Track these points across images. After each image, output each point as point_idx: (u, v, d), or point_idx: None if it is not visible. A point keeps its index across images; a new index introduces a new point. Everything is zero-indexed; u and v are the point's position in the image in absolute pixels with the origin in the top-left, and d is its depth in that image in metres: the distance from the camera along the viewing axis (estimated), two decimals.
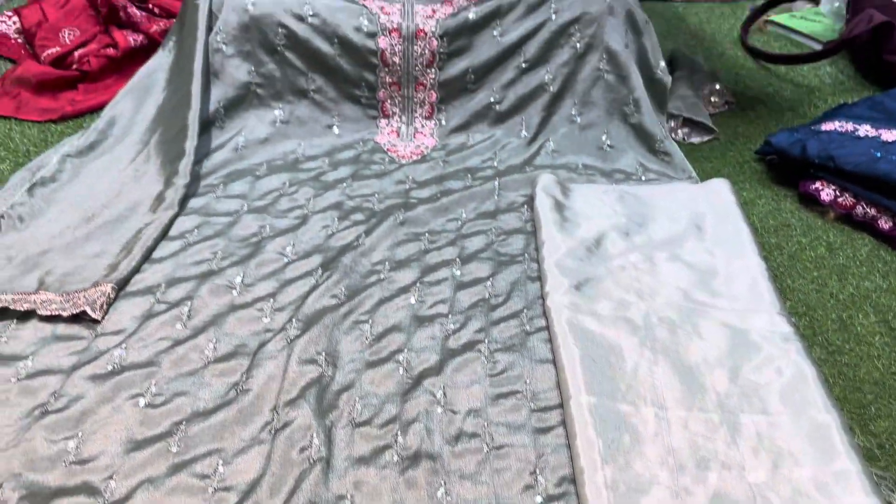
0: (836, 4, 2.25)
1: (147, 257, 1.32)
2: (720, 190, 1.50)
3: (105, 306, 1.20)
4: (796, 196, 1.56)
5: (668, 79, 1.73)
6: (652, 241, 1.39)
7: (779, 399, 1.06)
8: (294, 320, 1.18)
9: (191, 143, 1.53)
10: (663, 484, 0.94)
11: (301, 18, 1.65)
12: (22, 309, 1.18)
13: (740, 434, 1.01)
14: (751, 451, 1.00)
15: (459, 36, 1.68)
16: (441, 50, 1.68)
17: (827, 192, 1.52)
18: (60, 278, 1.25)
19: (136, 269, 1.29)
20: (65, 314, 1.17)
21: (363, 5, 1.67)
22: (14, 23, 2.03)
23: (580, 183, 1.56)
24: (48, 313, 1.18)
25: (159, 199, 1.45)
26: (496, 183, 1.53)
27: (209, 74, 1.65)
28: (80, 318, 1.18)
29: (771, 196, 1.56)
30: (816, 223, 1.48)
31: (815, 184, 1.54)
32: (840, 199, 1.51)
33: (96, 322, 1.18)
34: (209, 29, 1.66)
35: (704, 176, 1.62)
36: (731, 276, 1.30)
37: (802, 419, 1.03)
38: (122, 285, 1.25)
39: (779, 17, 2.33)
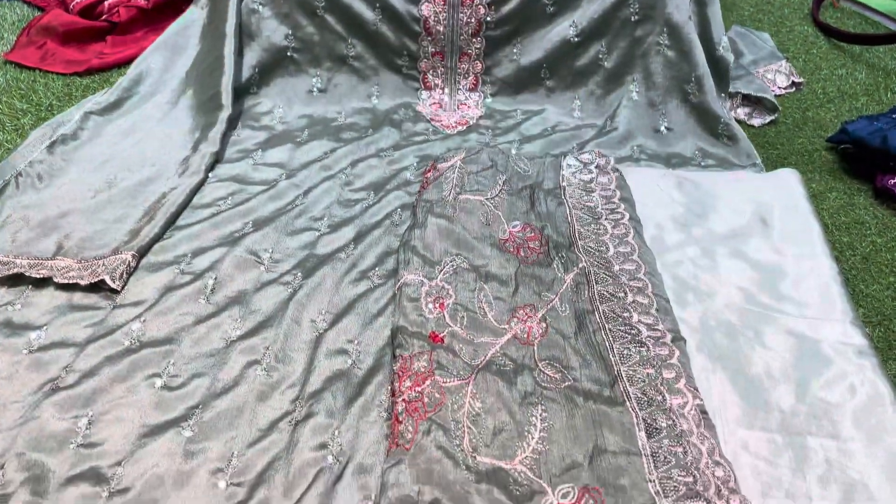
0: None
1: (171, 223, 1.25)
2: (788, 181, 1.37)
3: (125, 276, 1.13)
4: (871, 191, 1.43)
5: (730, 56, 1.59)
6: (712, 234, 1.28)
7: (851, 422, 0.96)
8: (324, 312, 1.10)
9: (224, 113, 1.45)
10: None
11: None
12: (38, 276, 1.11)
13: (807, 460, 0.91)
14: (818, 480, 0.90)
15: (507, 3, 1.55)
16: (488, 18, 1.56)
17: None
18: (79, 243, 1.18)
19: (159, 237, 1.22)
20: (83, 283, 1.11)
21: None
22: None
23: (634, 167, 1.44)
24: (65, 281, 1.11)
25: (185, 163, 1.38)
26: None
27: (242, 36, 1.55)
28: (98, 286, 1.12)
29: (843, 189, 1.43)
30: (893, 222, 1.36)
31: (894, 178, 1.41)
32: None
33: (115, 292, 1.11)
34: None
35: (769, 164, 1.49)
36: (799, 277, 1.18)
37: (878, 447, 0.92)
38: (143, 253, 1.18)
39: None
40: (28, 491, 0.85)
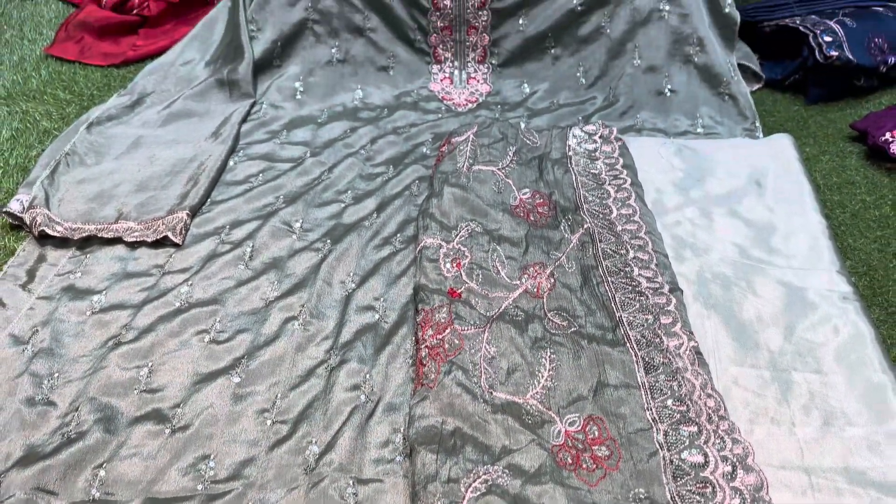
0: None
1: (214, 184, 1.39)
2: (783, 146, 1.46)
3: (184, 231, 1.27)
4: (863, 153, 1.51)
5: (737, 14, 1.66)
6: (709, 195, 1.37)
7: (834, 358, 1.05)
8: (352, 274, 1.21)
9: (247, 95, 1.57)
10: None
11: None
12: (107, 236, 1.26)
13: (792, 392, 1.01)
14: (802, 408, 1.00)
15: None
16: None
17: None
18: (137, 208, 1.32)
19: (206, 197, 1.36)
20: (149, 240, 1.25)
21: None
22: None
23: (637, 137, 1.53)
24: (132, 240, 1.25)
25: (216, 135, 1.51)
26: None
27: (264, 14, 1.66)
28: (160, 243, 1.26)
29: (836, 152, 1.52)
30: (882, 181, 1.44)
31: (885, 135, 1.49)
32: None
33: (177, 246, 1.25)
34: None
35: (767, 130, 1.57)
36: (790, 233, 1.27)
37: (857, 378, 1.02)
38: (194, 211, 1.32)
39: None
40: (101, 429, 0.97)
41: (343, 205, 1.37)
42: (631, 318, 1.08)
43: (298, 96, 1.65)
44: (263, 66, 1.66)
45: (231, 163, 1.46)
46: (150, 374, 1.05)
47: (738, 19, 1.65)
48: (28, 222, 1.26)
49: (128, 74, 1.73)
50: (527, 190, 1.35)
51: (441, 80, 1.70)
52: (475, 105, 1.67)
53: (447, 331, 1.06)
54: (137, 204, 1.32)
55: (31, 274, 1.20)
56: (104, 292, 1.17)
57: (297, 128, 1.57)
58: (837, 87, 1.66)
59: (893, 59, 1.65)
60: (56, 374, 1.04)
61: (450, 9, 1.65)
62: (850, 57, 1.59)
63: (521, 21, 1.66)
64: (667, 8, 1.61)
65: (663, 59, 1.63)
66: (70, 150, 1.42)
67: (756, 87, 1.71)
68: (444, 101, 1.67)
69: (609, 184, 1.36)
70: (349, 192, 1.40)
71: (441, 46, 1.69)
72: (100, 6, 1.91)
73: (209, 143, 1.48)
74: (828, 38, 1.60)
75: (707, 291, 1.17)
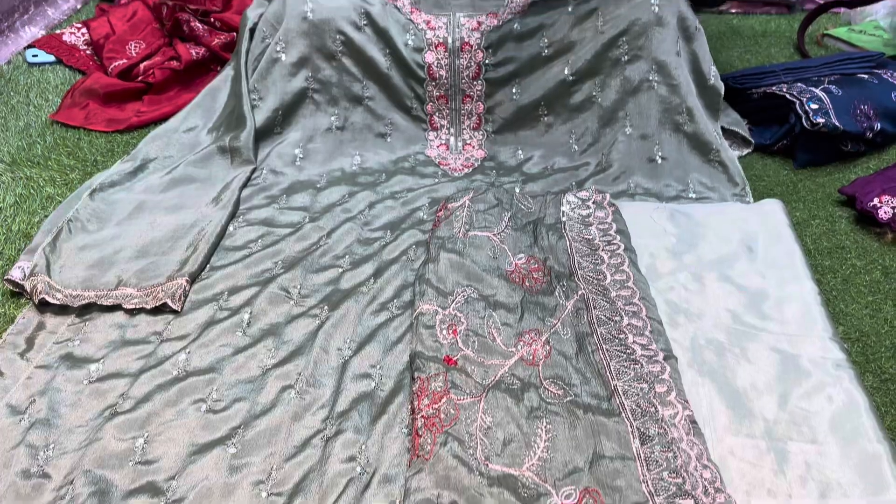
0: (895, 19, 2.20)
1: (213, 250, 1.41)
2: (773, 211, 1.49)
3: (183, 298, 1.29)
4: (852, 217, 1.54)
5: (721, 85, 1.71)
6: (702, 260, 1.39)
7: (828, 428, 1.06)
8: (349, 340, 1.22)
9: (248, 163, 1.62)
10: None
11: (357, 27, 1.70)
12: (107, 304, 1.27)
13: (788, 462, 1.01)
14: (798, 479, 1.00)
15: (504, 48, 1.69)
16: (486, 62, 1.70)
17: (885, 211, 1.50)
18: (137, 274, 1.33)
19: (205, 263, 1.38)
20: (148, 306, 1.26)
21: (410, 20, 1.71)
22: (83, 34, 2.13)
23: (630, 202, 1.56)
24: (132, 307, 1.26)
25: (216, 201, 1.53)
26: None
27: (266, 84, 1.71)
28: (159, 310, 1.27)
29: (826, 217, 1.54)
30: (872, 246, 1.46)
31: (873, 201, 1.52)
32: None
33: (176, 313, 1.26)
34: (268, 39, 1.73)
35: (757, 194, 1.60)
36: (782, 299, 1.29)
37: (852, 449, 1.02)
38: (194, 278, 1.34)
39: (836, 30, 2.28)
40: (95, 502, 0.96)
41: (341, 270, 1.38)
42: (626, 388, 1.09)
43: (298, 162, 1.68)
44: (264, 133, 1.70)
45: (231, 228, 1.48)
46: (146, 444, 1.04)
47: (722, 91, 1.70)
48: (29, 290, 1.28)
49: (132, 140, 1.76)
50: (522, 255, 1.37)
51: (437, 146, 1.74)
52: (471, 170, 1.70)
53: (443, 400, 1.07)
54: (138, 270, 1.34)
55: (30, 342, 1.21)
56: (102, 360, 1.18)
57: (296, 193, 1.59)
58: (825, 153, 1.70)
59: (879, 125, 1.69)
60: (52, 446, 1.04)
61: (445, 79, 1.70)
62: (837, 124, 1.63)
63: (514, 90, 1.71)
64: (656, 79, 1.66)
65: (654, 128, 1.67)
66: (73, 216, 1.44)
67: (746, 151, 1.75)
68: (441, 167, 1.71)
69: (603, 249, 1.38)
70: (347, 256, 1.42)
71: (437, 114, 1.74)
72: (106, 73, 1.96)
73: (210, 208, 1.51)
74: (814, 106, 1.65)
75: (701, 358, 1.18)
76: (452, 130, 1.74)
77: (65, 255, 1.37)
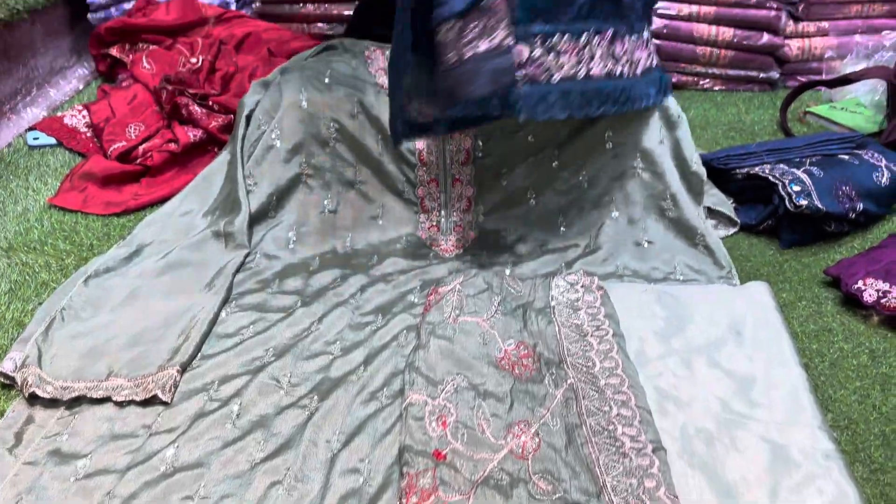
0: (877, 97, 2.26)
1: (205, 338, 1.42)
2: (759, 293, 1.51)
3: (173, 388, 1.29)
4: (838, 298, 1.56)
5: (702, 171, 1.75)
6: (690, 345, 1.40)
7: None
8: (338, 432, 1.22)
9: (242, 248, 1.65)
10: None
11: (352, 115, 1.75)
12: (97, 396, 1.27)
13: None
14: None
15: (493, 136, 1.74)
16: (476, 149, 1.74)
17: (870, 293, 1.52)
18: (128, 364, 1.33)
19: (196, 353, 1.38)
20: (138, 399, 1.26)
21: None
22: (84, 117, 2.18)
23: (618, 284, 1.58)
24: (122, 399, 1.26)
25: (209, 286, 1.55)
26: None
27: (260, 170, 1.75)
28: (149, 401, 1.28)
29: (812, 298, 1.56)
30: (859, 328, 1.48)
31: (857, 283, 1.54)
32: (883, 301, 1.50)
33: (166, 404, 1.26)
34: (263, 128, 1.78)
35: (744, 275, 1.62)
36: (770, 385, 1.29)
37: None
38: (184, 367, 1.34)
39: (818, 108, 2.35)
40: None
41: (331, 357, 1.39)
42: (615, 483, 1.09)
43: (291, 245, 1.70)
44: (259, 218, 1.73)
45: (223, 314, 1.49)
46: None
47: (704, 176, 1.75)
48: (19, 383, 1.28)
49: (128, 223, 1.79)
50: (511, 341, 1.39)
51: (428, 228, 1.77)
52: (462, 251, 1.73)
53: (431, 498, 1.06)
54: (129, 360, 1.34)
55: (19, 437, 1.21)
56: (90, 456, 1.17)
57: (289, 277, 1.61)
58: (810, 233, 1.73)
59: (862, 205, 1.73)
60: None
61: (435, 164, 1.75)
62: (819, 205, 1.66)
63: (503, 176, 1.75)
64: (641, 166, 1.71)
65: (640, 213, 1.71)
66: (66, 304, 1.46)
67: (732, 231, 1.78)
68: (432, 248, 1.73)
69: (592, 335, 1.39)
70: (338, 342, 1.43)
71: (428, 197, 1.77)
72: (105, 156, 2.01)
73: (203, 294, 1.52)
74: (796, 188, 1.69)
75: (691, 449, 1.18)
76: (443, 213, 1.77)
77: (57, 345, 1.38)
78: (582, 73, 1.44)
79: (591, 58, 1.45)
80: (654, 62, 1.63)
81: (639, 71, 1.56)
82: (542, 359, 1.35)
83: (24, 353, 1.34)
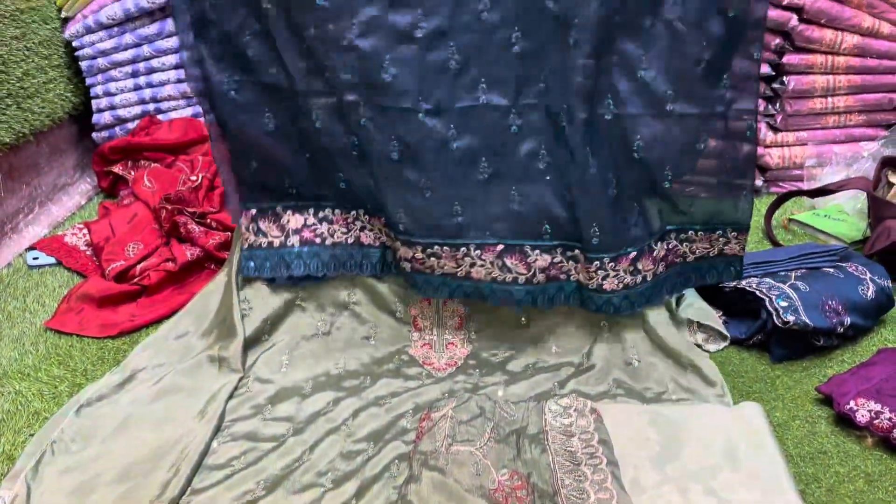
0: (859, 205, 2.33)
1: (195, 471, 1.40)
2: (753, 416, 1.50)
3: None
4: (831, 417, 1.55)
5: (684, 315, 1.79)
6: (686, 471, 1.39)
7: None
8: None
9: (235, 373, 1.66)
10: None
11: None
12: None
13: None
14: None
15: None
16: None
17: (862, 414, 1.51)
18: (117, 501, 1.31)
19: (188, 485, 1.36)
20: None
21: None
22: (84, 235, 2.23)
23: (611, 404, 1.58)
24: None
25: (202, 414, 1.55)
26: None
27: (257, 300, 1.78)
28: None
29: (805, 417, 1.56)
30: (854, 450, 1.47)
31: (849, 403, 1.54)
32: (876, 422, 1.50)
33: None
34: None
35: (735, 392, 1.63)
36: None
37: None
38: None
39: (802, 216, 2.41)
40: None
41: (322, 489, 1.37)
42: None
43: (284, 368, 1.71)
44: (253, 341, 1.74)
45: (215, 444, 1.48)
46: None
47: (686, 318, 1.78)
48: None
49: (122, 346, 1.80)
50: (505, 470, 1.37)
51: (421, 346, 1.78)
52: (454, 369, 1.74)
53: None
54: (118, 496, 1.32)
55: None
56: None
57: (281, 401, 1.61)
58: (799, 347, 1.74)
59: (849, 319, 1.75)
60: None
61: None
62: (807, 321, 1.68)
63: None
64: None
65: (629, 334, 1.73)
66: (56, 437, 1.45)
67: (723, 345, 1.80)
68: (425, 366, 1.74)
69: (586, 464, 1.38)
70: (329, 473, 1.41)
71: (420, 316, 1.80)
72: (103, 275, 2.04)
73: (195, 422, 1.52)
74: (783, 304, 1.71)
75: None
76: (436, 331, 1.79)
77: (46, 481, 1.36)
78: None
79: None
80: None
81: None
82: (537, 490, 1.33)
83: (13, 491, 1.32)
